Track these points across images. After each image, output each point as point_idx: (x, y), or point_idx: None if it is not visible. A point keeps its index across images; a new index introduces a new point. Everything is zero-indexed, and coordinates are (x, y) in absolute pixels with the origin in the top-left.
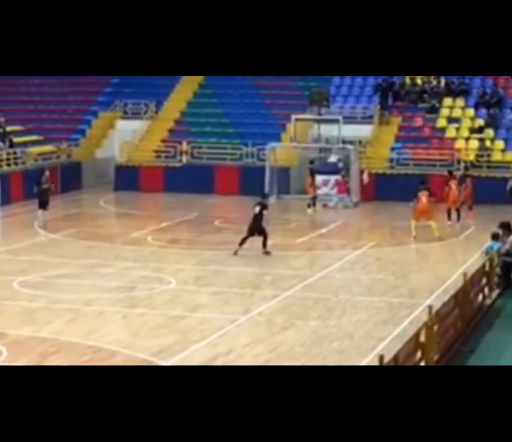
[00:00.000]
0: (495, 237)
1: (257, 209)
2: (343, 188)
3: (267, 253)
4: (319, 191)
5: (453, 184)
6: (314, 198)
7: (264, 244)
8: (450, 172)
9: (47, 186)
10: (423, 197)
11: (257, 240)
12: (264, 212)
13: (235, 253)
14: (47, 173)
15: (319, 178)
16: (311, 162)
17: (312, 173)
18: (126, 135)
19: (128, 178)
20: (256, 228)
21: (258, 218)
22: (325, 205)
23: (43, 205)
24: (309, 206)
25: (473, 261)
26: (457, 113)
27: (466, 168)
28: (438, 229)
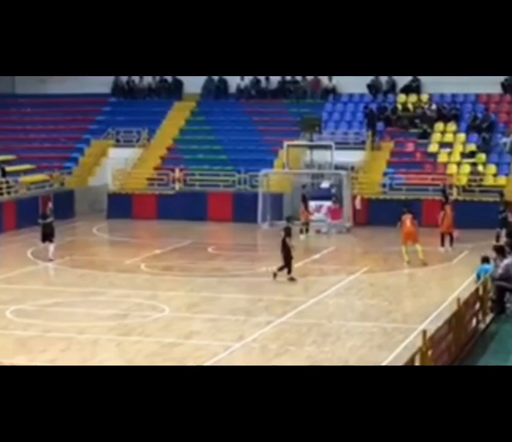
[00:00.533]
0: (484, 260)
1: (282, 234)
2: (336, 214)
3: (292, 279)
4: (312, 217)
5: (448, 209)
6: (307, 224)
7: (281, 269)
8: (445, 197)
9: (52, 219)
10: (407, 220)
11: (250, 266)
12: (287, 239)
13: (291, 279)
14: (50, 205)
15: (312, 204)
16: (303, 187)
17: (305, 199)
18: (118, 163)
19: (120, 206)
20: (283, 252)
21: (284, 244)
22: (318, 231)
23: (49, 237)
24: (301, 232)
25: (466, 285)
26: (448, 138)
27: (443, 191)
28: (422, 252)
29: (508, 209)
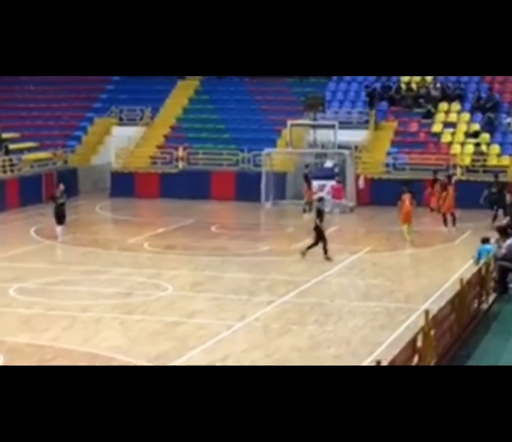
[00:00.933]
0: (485, 241)
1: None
2: (338, 193)
3: (304, 253)
4: (315, 196)
5: (450, 189)
6: (310, 203)
7: (309, 248)
8: (448, 177)
9: (63, 201)
10: (407, 200)
11: (253, 245)
12: (317, 221)
13: (327, 258)
14: (62, 186)
15: (315, 184)
16: (306, 166)
17: (307, 178)
18: (121, 141)
19: (124, 185)
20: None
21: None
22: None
23: (61, 220)
24: (304, 211)
25: (469, 265)
26: (452, 117)
27: (434, 172)
28: (412, 233)
29: (506, 189)
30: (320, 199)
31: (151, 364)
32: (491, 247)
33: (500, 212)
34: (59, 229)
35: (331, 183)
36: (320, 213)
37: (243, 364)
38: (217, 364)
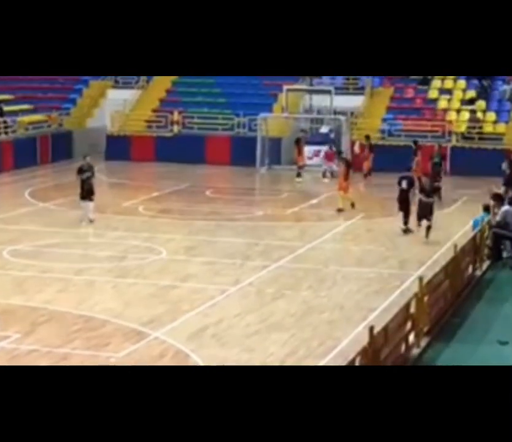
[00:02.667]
0: (486, 209)
1: (404, 183)
2: (330, 157)
3: (407, 230)
4: (310, 162)
5: (420, 154)
6: (302, 167)
7: (406, 222)
8: (415, 142)
9: (90, 174)
10: (342, 167)
11: (248, 210)
12: (412, 189)
13: (405, 231)
14: (88, 159)
15: (310, 149)
16: (302, 131)
17: (300, 143)
18: (117, 104)
19: (119, 148)
20: (403, 203)
21: (405, 194)
22: (324, 176)
23: (88, 196)
24: (298, 175)
25: (463, 232)
26: (448, 84)
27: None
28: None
29: (506, 158)
30: (408, 168)
31: (144, 328)
32: (486, 214)
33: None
34: (90, 205)
35: (326, 148)
36: (412, 183)
37: (236, 328)
38: (211, 328)
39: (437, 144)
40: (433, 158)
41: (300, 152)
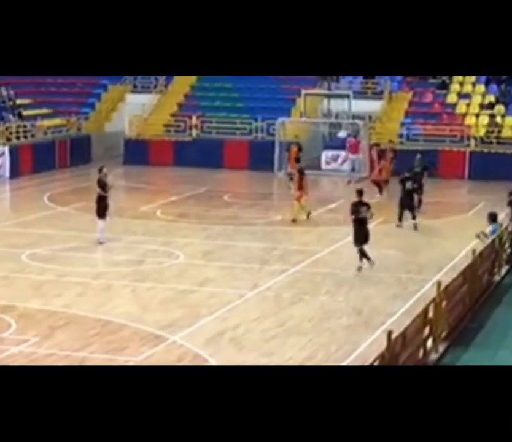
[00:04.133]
0: (494, 218)
1: (409, 184)
2: (355, 148)
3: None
4: (328, 167)
5: (387, 159)
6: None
7: (414, 216)
8: (376, 144)
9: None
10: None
11: (265, 214)
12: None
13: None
14: (105, 170)
15: (328, 154)
16: (296, 137)
17: (300, 148)
18: (135, 109)
19: (137, 152)
20: (407, 203)
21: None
22: (349, 182)
23: (104, 213)
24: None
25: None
26: (467, 89)
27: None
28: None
29: None
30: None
31: (162, 332)
32: (495, 225)
33: None
34: (105, 223)
35: (344, 153)
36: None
37: (254, 333)
38: (229, 332)
39: (418, 155)
40: (413, 167)
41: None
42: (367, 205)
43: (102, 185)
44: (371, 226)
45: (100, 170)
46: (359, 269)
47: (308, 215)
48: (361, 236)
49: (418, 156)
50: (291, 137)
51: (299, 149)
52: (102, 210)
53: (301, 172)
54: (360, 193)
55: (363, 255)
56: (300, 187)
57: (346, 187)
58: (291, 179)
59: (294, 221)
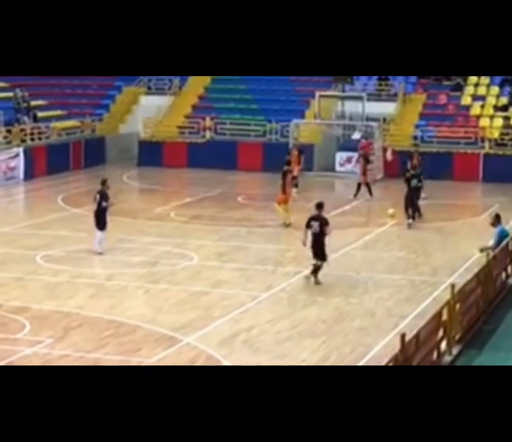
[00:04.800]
0: (497, 220)
1: (414, 182)
2: (367, 149)
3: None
4: (342, 168)
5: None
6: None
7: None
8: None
9: (107, 204)
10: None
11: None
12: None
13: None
14: (108, 183)
15: (342, 155)
16: (295, 139)
17: (301, 151)
18: (149, 110)
19: (151, 154)
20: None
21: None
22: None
23: (105, 225)
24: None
25: None
26: (481, 90)
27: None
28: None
29: None
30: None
31: (176, 334)
32: (501, 228)
33: None
34: (104, 235)
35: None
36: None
37: (268, 335)
38: (242, 334)
39: (416, 153)
40: (406, 172)
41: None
42: (322, 220)
43: (106, 197)
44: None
45: (103, 183)
46: (307, 277)
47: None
48: (316, 251)
49: (416, 155)
50: (305, 139)
51: (300, 152)
52: (103, 223)
53: (284, 175)
54: (318, 206)
55: (315, 269)
56: (284, 190)
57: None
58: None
59: (288, 225)
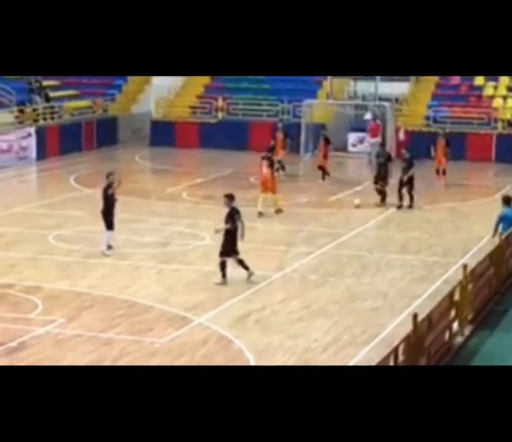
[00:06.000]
0: (507, 201)
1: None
2: (375, 131)
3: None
4: (354, 149)
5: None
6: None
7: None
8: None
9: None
10: (264, 167)
11: (291, 196)
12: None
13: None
14: (112, 176)
15: (354, 136)
16: (323, 127)
17: (286, 135)
18: (162, 90)
19: (163, 134)
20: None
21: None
22: (370, 162)
23: (111, 224)
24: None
25: None
26: None
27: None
28: (279, 200)
29: None
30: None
31: (188, 314)
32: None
33: None
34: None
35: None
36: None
37: (280, 315)
38: (254, 314)
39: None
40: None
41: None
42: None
43: (111, 197)
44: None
45: (108, 176)
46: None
47: (280, 210)
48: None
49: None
50: (317, 119)
51: (285, 135)
52: (110, 222)
53: (271, 164)
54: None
55: (223, 267)
56: (272, 177)
57: (369, 168)
58: (281, 167)
59: (279, 211)
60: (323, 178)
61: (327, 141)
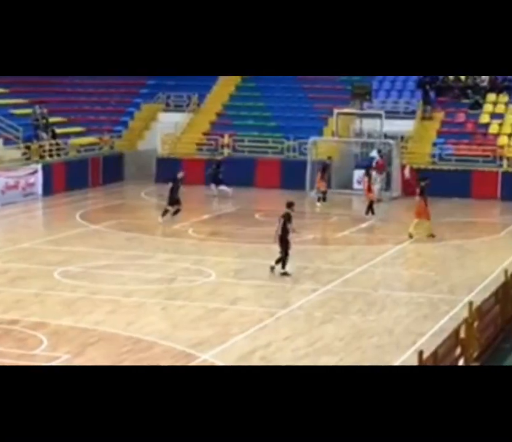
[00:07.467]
0: None
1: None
2: (381, 167)
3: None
4: (360, 186)
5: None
6: (324, 193)
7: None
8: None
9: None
10: (417, 197)
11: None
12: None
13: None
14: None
15: (360, 173)
16: (328, 158)
17: (324, 168)
18: (168, 127)
19: (169, 170)
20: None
21: None
22: (379, 200)
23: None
24: (318, 200)
25: None
26: (500, 109)
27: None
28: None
29: None
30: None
31: (192, 350)
32: None
33: None
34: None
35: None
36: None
37: (285, 352)
38: (259, 351)
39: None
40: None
41: (322, 177)
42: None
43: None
44: None
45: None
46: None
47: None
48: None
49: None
50: (323, 157)
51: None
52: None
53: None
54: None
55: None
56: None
57: (377, 206)
58: (319, 200)
59: (431, 236)
60: (324, 199)
61: (324, 169)
